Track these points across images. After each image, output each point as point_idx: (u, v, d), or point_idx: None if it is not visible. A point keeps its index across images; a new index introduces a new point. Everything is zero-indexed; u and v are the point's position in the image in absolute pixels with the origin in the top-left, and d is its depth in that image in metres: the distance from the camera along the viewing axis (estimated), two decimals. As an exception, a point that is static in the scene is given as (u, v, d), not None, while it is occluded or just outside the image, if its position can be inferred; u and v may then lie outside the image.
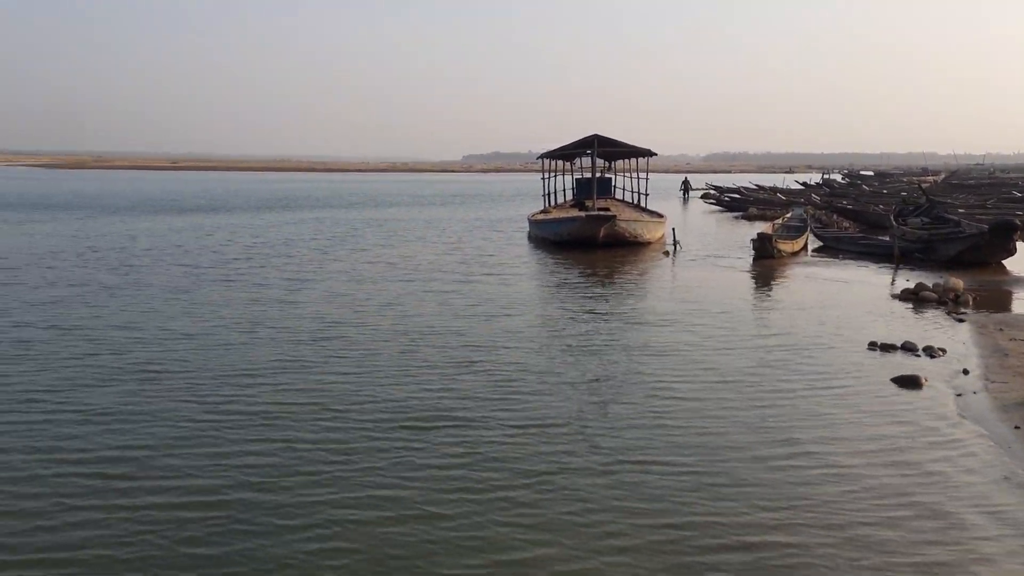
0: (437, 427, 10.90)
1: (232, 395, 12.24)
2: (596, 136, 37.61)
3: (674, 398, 12.22)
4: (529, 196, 72.86)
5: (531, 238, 37.01)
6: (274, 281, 23.18)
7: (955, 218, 32.78)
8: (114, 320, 17.49)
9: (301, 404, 11.80)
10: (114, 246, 31.74)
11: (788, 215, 41.33)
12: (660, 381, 13.10)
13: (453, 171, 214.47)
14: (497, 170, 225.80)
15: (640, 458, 9.85)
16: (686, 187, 78.63)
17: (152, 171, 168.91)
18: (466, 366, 13.98)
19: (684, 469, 9.51)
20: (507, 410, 11.64)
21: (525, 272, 26.37)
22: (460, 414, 11.41)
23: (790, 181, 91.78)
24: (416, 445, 10.24)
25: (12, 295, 20.32)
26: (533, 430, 10.83)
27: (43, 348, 14.96)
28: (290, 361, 14.20)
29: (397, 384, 12.86)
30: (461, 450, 10.10)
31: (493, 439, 10.47)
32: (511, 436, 10.59)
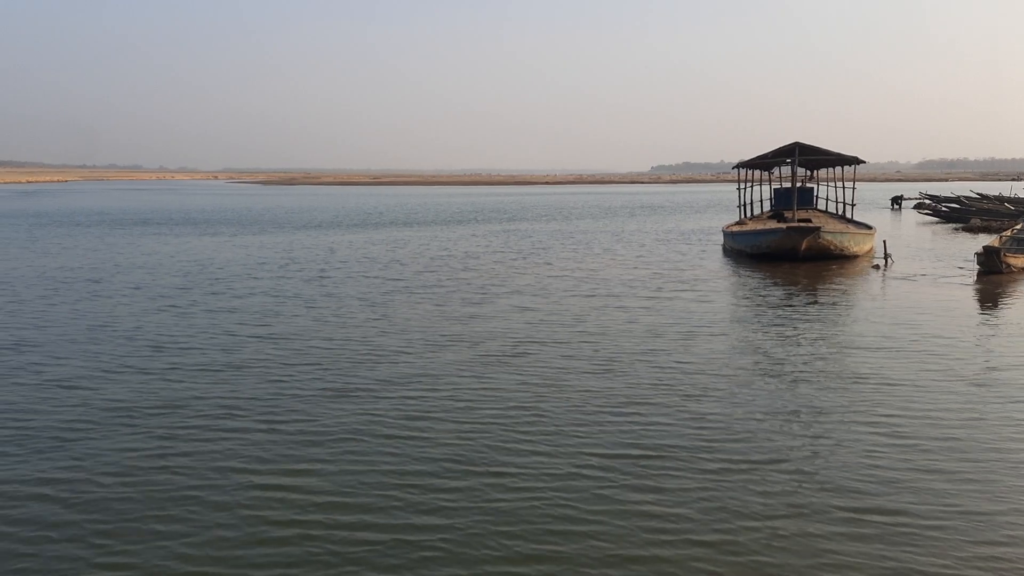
0: (632, 460, 9.85)
1: (419, 419, 11.82)
2: (797, 144, 35.34)
3: (893, 436, 10.63)
4: (721, 207, 70.20)
5: (726, 251, 35.18)
6: (459, 294, 23.02)
7: None
8: (313, 332, 17.82)
9: (480, 427, 11.17)
10: (314, 258, 33.11)
11: (1018, 227, 36.94)
12: (876, 416, 11.46)
13: (641, 182, 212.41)
14: (687, 180, 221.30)
15: (877, 504, 8.48)
16: (897, 201, 72.80)
17: (354, 186, 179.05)
18: (663, 391, 12.83)
19: (920, 520, 7.99)
20: (712, 443, 10.44)
21: (721, 287, 24.72)
22: (658, 446, 10.31)
23: (1019, 189, 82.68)
24: (609, 482, 9.23)
25: (221, 303, 21.41)
26: (744, 466, 9.61)
27: (251, 359, 15.36)
28: (474, 379, 13.66)
29: (589, 412, 11.90)
30: (667, 487, 9.03)
31: (701, 477, 9.33)
32: (722, 474, 9.39)
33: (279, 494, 9.11)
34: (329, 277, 26.88)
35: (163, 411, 12.08)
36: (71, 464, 10.06)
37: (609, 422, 11.37)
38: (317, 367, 14.65)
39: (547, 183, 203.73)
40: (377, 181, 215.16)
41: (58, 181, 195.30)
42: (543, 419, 11.55)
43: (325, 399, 12.66)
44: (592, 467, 9.70)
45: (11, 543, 8.06)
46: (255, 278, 26.58)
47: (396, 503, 8.81)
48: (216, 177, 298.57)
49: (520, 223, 56.36)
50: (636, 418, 11.54)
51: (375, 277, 26.87)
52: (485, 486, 9.22)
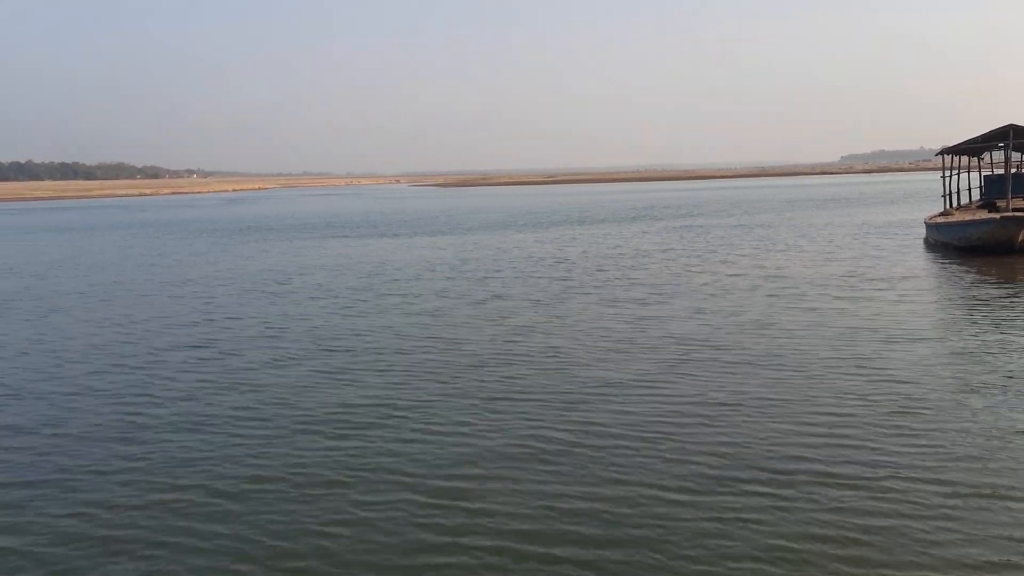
0: (840, 488, 8.58)
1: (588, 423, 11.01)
2: (1011, 126, 31.45)
3: None
4: (920, 197, 64.55)
5: (929, 244, 31.97)
6: (631, 295, 21.99)
7: None
8: (479, 334, 17.45)
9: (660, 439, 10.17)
10: (484, 259, 33.08)
11: None
12: None
13: (830, 173, 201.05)
14: (881, 170, 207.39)
15: None
16: None
17: (528, 186, 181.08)
18: (865, 406, 11.30)
19: None
20: (933, 467, 8.99)
21: (925, 285, 22.19)
22: (871, 468, 8.95)
23: None
24: (815, 514, 8.04)
25: (392, 304, 21.58)
26: (982, 494, 8.19)
27: (418, 361, 15.17)
28: (647, 388, 12.67)
29: (780, 429, 10.62)
30: (887, 523, 7.75)
31: (934, 508, 7.98)
32: (955, 503, 7.98)
33: (442, 500, 8.60)
34: (498, 278, 26.61)
35: (333, 411, 11.98)
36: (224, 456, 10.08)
37: (804, 442, 10.03)
38: (482, 369, 14.18)
39: (726, 177, 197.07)
40: (551, 180, 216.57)
41: (259, 188, 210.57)
42: (721, 437, 10.39)
43: (482, 403, 12.10)
44: (799, 498, 8.47)
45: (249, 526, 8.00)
46: (426, 280, 26.75)
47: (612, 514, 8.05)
48: (398, 181, 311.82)
49: (695, 219, 54.31)
50: (836, 438, 10.12)
51: (544, 277, 26.33)
52: (676, 505, 8.26)
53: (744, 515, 8.11)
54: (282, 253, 37.99)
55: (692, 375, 13.39)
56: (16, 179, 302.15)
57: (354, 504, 8.86)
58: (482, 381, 13.49)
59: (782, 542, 7.55)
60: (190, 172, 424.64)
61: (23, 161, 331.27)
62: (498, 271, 28.38)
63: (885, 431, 10.27)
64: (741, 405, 11.66)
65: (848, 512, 8.05)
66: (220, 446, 10.82)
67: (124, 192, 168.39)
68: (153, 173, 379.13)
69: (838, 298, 20.10)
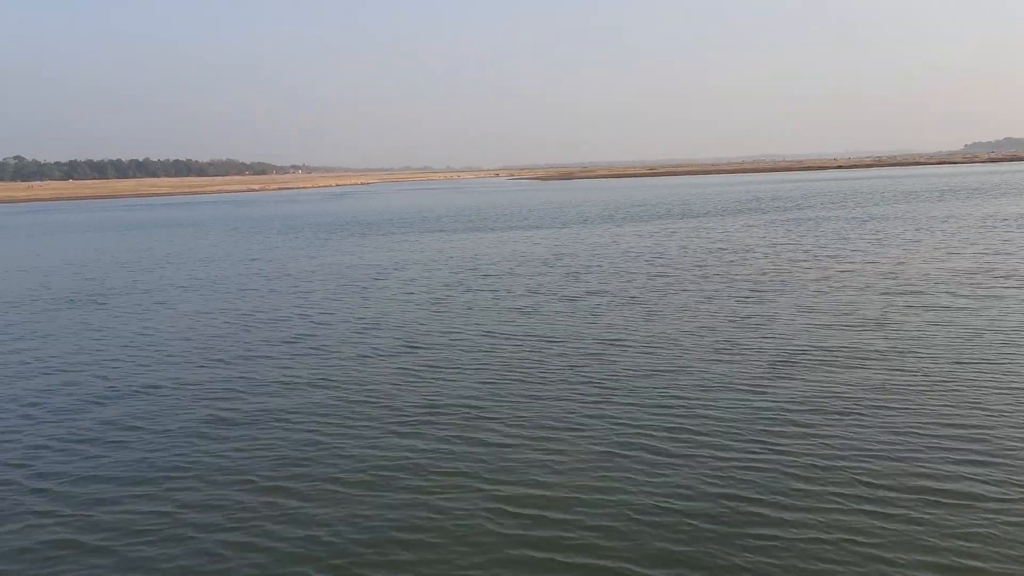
0: (956, 506, 7.66)
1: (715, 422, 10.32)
2: None
3: None
4: (1052, 187, 60.16)
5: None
6: (733, 292, 20.97)
7: None
8: (571, 331, 16.91)
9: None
10: (578, 253, 32.41)
11: None
12: None
13: (953, 163, 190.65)
14: (1009, 159, 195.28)
15: None
16: None
17: (629, 178, 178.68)
18: (987, 415, 10.23)
19: None
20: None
21: (1060, 284, 20.32)
22: (989, 483, 7.98)
23: None
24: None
25: (481, 301, 21.25)
26: None
27: (503, 360, 14.77)
28: (750, 392, 11.85)
29: (895, 439, 9.70)
30: None
31: None
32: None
33: (527, 491, 8.11)
34: (593, 273, 25.94)
35: (417, 410, 11.67)
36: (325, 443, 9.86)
37: (918, 456, 9.10)
38: (573, 370, 13.63)
39: (838, 167, 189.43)
40: (653, 172, 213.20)
41: (360, 184, 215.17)
42: (825, 447, 9.52)
43: (571, 406, 11.54)
44: (909, 517, 7.61)
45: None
46: (519, 275, 26.32)
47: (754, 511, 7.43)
48: (497, 175, 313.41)
49: (804, 212, 52.02)
50: (956, 452, 9.13)
51: (641, 273, 25.50)
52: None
53: (847, 536, 7.35)
54: (377, 248, 38.30)
55: (797, 378, 12.49)
56: (136, 176, 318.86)
57: (432, 510, 8.50)
58: (572, 383, 12.95)
59: (887, 568, 6.74)
60: (295, 168, 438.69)
61: (141, 159, 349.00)
62: (594, 266, 27.69)
63: (1014, 445, 9.20)
64: (849, 413, 10.74)
65: (970, 537, 7.14)
66: (301, 444, 10.66)
67: (234, 188, 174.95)
68: (261, 169, 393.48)
69: (960, 296, 18.61)
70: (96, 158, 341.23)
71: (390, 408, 12.08)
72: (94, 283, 28.07)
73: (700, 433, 10.34)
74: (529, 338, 16.45)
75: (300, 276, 28.32)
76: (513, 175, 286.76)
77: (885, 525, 7.58)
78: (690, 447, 9.87)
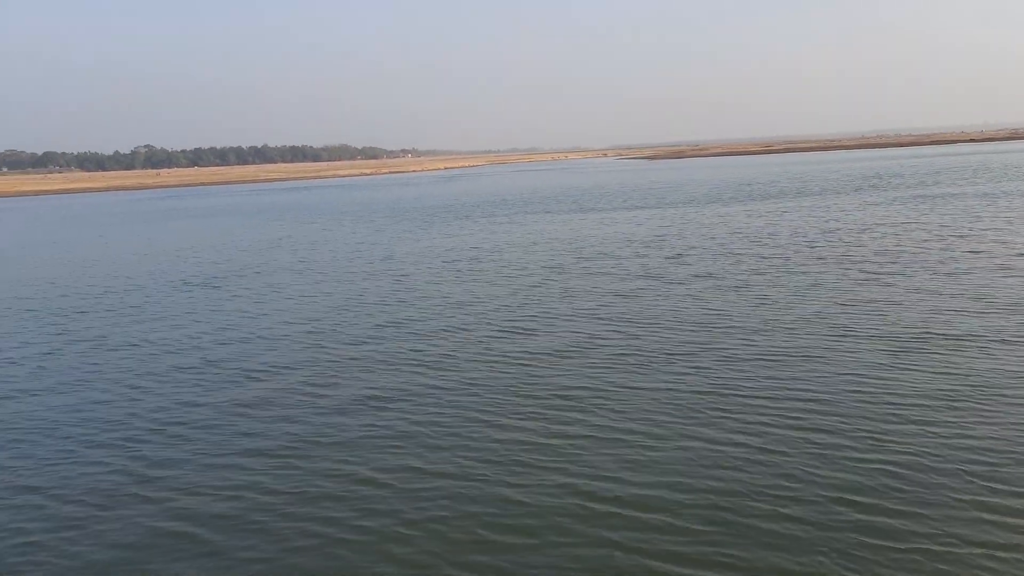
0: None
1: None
2: None
3: None
4: None
5: None
6: (850, 275, 19.74)
7: None
8: (669, 316, 16.24)
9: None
10: (683, 234, 31.36)
11: None
12: None
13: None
14: None
15: None
16: None
17: (743, 156, 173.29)
18: None
19: None
20: None
21: None
22: None
23: None
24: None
25: (580, 283, 20.74)
26: None
27: (596, 345, 14.29)
28: (861, 377, 10.98)
29: None
30: None
31: None
32: None
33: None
34: (699, 256, 25.01)
35: (506, 400, 11.34)
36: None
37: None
38: (671, 359, 13.01)
39: (970, 141, 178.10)
40: (768, 149, 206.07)
41: (469, 166, 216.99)
42: (954, 440, 8.63)
43: (668, 398, 10.95)
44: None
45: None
46: (620, 257, 25.65)
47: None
48: (605, 154, 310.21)
49: (929, 188, 48.89)
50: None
51: (751, 255, 24.41)
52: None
53: (959, 543, 6.60)
54: (480, 230, 38.20)
55: (920, 367, 11.52)
56: (255, 162, 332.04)
57: (517, 507, 8.16)
58: (671, 373, 12.36)
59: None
60: (405, 152, 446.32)
61: (260, 146, 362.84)
62: (700, 248, 26.70)
63: None
64: (976, 406, 9.75)
65: None
66: (385, 432, 10.50)
67: (347, 172, 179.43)
68: (372, 154, 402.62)
69: (1109, 281, 16.87)
70: (219, 146, 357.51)
71: (474, 395, 11.81)
72: (209, 266, 29.01)
73: (810, 428, 9.61)
74: (630, 323, 15.88)
75: (403, 259, 28.47)
76: (621, 155, 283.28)
77: (1004, 536, 6.75)
78: (797, 444, 9.17)
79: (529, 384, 12.23)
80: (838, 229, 29.91)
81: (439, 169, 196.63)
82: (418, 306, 19.22)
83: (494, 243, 32.15)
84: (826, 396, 10.77)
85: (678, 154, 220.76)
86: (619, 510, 7.98)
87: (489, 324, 16.67)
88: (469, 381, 12.60)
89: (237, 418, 11.50)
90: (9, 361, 15.76)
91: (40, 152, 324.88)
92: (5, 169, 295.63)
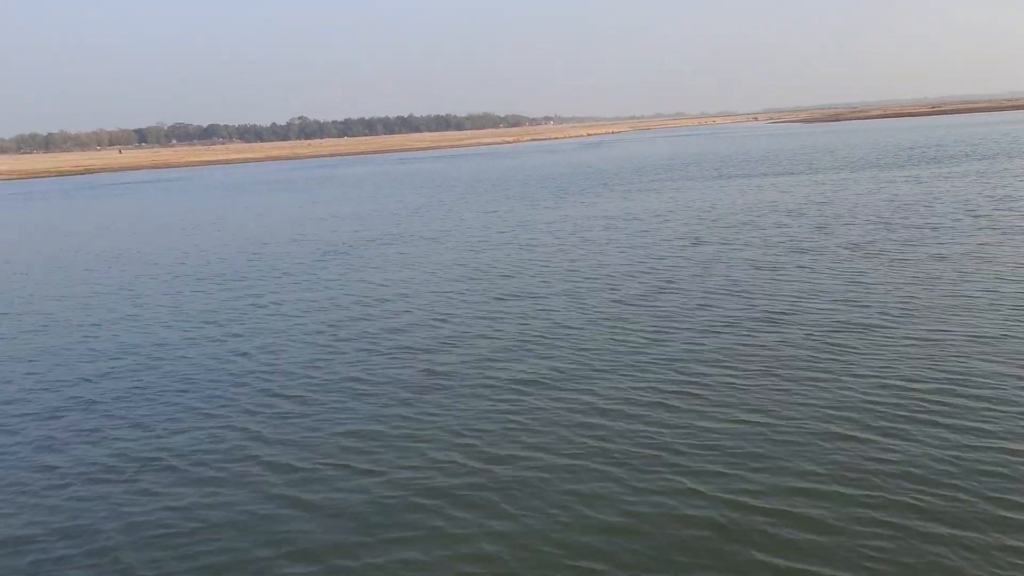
0: None
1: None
2: None
3: None
4: None
5: None
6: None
7: None
8: (801, 293, 15.04)
9: None
10: (833, 201, 29.27)
11: None
12: None
13: None
14: None
15: None
16: None
17: (907, 118, 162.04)
18: None
19: None
20: None
21: None
22: None
23: None
24: None
25: (705, 255, 19.65)
26: None
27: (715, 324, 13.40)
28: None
29: None
30: None
31: None
32: None
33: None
34: (847, 226, 23.27)
35: (622, 383, 10.74)
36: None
37: None
38: (804, 339, 12.00)
39: None
40: (936, 110, 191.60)
41: (611, 132, 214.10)
42: None
43: (792, 384, 9.99)
44: None
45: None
46: (758, 227, 24.25)
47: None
48: (756, 118, 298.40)
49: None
50: None
51: (905, 226, 22.47)
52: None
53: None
54: (615, 198, 37.19)
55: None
56: (401, 131, 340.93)
57: (620, 497, 7.61)
58: (799, 356, 11.35)
59: None
60: (547, 119, 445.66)
61: (406, 116, 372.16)
62: (847, 218, 24.81)
63: None
64: None
65: None
66: (493, 413, 10.12)
67: (490, 140, 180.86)
68: (514, 121, 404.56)
69: None
70: (367, 116, 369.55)
71: (589, 377, 11.25)
72: (346, 234, 29.59)
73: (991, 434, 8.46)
74: (752, 298, 14.85)
75: (537, 227, 28.05)
76: (773, 118, 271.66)
77: None
78: (922, 447, 8.09)
79: (646, 367, 11.54)
80: (1011, 197, 27.07)
81: (581, 136, 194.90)
82: (546, 276, 18.76)
83: (629, 211, 31.19)
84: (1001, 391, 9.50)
85: (835, 117, 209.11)
86: (709, 492, 7.25)
87: (610, 297, 15.99)
88: (569, 365, 12.03)
89: (391, 387, 11.43)
90: (175, 317, 16.45)
91: (205, 125, 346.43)
92: (175, 141, 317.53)
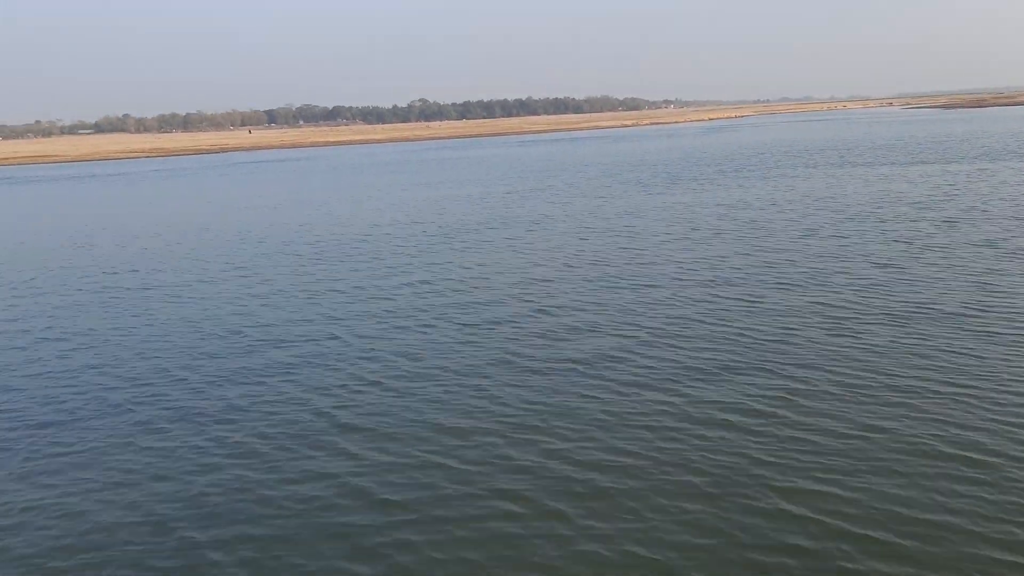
0: None
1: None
2: None
3: None
4: None
5: None
6: None
7: None
8: (930, 295, 14.12)
9: None
10: (969, 193, 27.38)
11: None
12: None
13: None
14: None
15: None
16: None
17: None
18: None
19: None
20: None
21: None
22: None
23: None
24: None
25: (823, 249, 18.70)
26: None
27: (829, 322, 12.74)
28: None
29: None
30: None
31: None
32: None
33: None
34: (980, 220, 21.69)
35: (720, 395, 10.37)
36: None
37: None
38: (940, 350, 11.20)
39: None
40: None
41: (734, 117, 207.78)
42: None
43: (904, 398, 9.35)
44: None
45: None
46: (883, 219, 22.92)
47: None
48: (890, 104, 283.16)
49: None
50: None
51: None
52: None
53: None
54: (729, 185, 36.02)
55: None
56: (519, 114, 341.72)
57: (704, 509, 7.28)
58: (923, 364, 10.60)
59: None
60: (667, 103, 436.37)
61: (524, 98, 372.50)
62: (982, 211, 23.14)
63: None
64: None
65: None
66: (582, 412, 9.92)
67: (607, 124, 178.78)
68: (633, 105, 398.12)
69: None
70: (485, 99, 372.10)
71: (682, 392, 10.86)
72: (454, 216, 29.81)
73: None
74: (887, 297, 14.00)
75: (645, 215, 27.50)
76: (909, 104, 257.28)
77: None
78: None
79: (766, 369, 11.08)
80: None
81: (702, 120, 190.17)
82: (653, 266, 18.36)
83: (743, 200, 30.14)
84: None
85: (978, 103, 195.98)
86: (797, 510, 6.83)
87: (700, 298, 15.46)
88: (666, 367, 11.68)
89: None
90: (297, 292, 17.06)
91: (330, 106, 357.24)
92: (301, 122, 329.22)
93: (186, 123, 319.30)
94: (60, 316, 16.53)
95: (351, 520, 7.54)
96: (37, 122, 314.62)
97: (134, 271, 21.51)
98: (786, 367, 10.74)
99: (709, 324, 13.09)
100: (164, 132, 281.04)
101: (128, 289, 19.10)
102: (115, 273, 21.27)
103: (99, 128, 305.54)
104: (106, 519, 7.84)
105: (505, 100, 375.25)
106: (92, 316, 16.38)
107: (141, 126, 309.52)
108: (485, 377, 11.15)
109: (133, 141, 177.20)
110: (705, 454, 8.35)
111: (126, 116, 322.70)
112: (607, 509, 7.42)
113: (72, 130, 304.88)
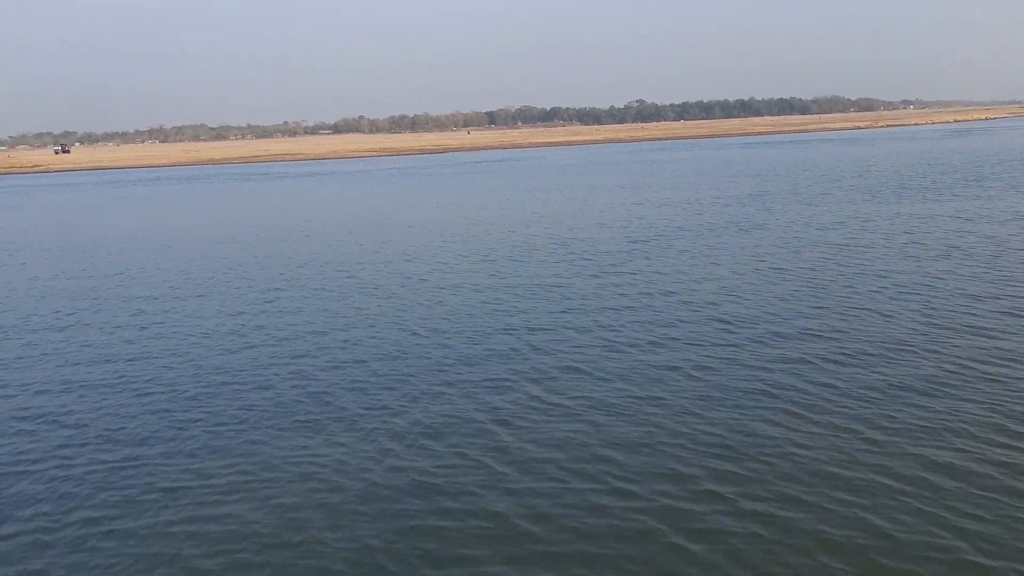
0: None
1: None
2: None
3: None
4: None
5: None
6: None
7: None
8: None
9: None
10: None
11: None
12: None
13: None
14: None
15: None
16: None
17: None
18: None
19: None
20: None
21: None
22: None
23: None
24: None
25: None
26: None
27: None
28: None
29: None
30: None
31: None
32: None
33: None
34: None
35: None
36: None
37: None
38: None
39: None
40: None
41: (985, 119, 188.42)
42: None
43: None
44: None
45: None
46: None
47: None
48: None
49: None
50: None
51: None
52: None
53: None
54: (963, 200, 32.52)
55: None
56: (740, 115, 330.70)
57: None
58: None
59: None
60: (906, 103, 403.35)
61: (746, 99, 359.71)
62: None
63: None
64: None
65: None
66: (748, 441, 9.27)
67: (837, 126, 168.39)
68: (867, 105, 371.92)
69: None
70: (705, 99, 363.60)
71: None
72: (652, 220, 29.16)
73: None
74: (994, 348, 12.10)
75: (851, 230, 25.49)
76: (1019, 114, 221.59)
77: None
78: None
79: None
80: None
81: (947, 122, 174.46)
82: (857, 287, 16.98)
83: (982, 213, 27.09)
84: None
85: None
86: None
87: (940, 324, 13.96)
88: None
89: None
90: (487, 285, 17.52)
91: (548, 108, 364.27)
92: (520, 123, 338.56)
93: (414, 124, 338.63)
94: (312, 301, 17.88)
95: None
96: (285, 123, 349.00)
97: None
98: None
99: (927, 352, 11.81)
100: (394, 132, 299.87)
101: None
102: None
103: (336, 129, 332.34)
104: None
105: (726, 100, 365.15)
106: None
107: (374, 127, 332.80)
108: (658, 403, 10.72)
109: (365, 141, 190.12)
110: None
111: (360, 118, 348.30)
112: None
113: (314, 130, 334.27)
